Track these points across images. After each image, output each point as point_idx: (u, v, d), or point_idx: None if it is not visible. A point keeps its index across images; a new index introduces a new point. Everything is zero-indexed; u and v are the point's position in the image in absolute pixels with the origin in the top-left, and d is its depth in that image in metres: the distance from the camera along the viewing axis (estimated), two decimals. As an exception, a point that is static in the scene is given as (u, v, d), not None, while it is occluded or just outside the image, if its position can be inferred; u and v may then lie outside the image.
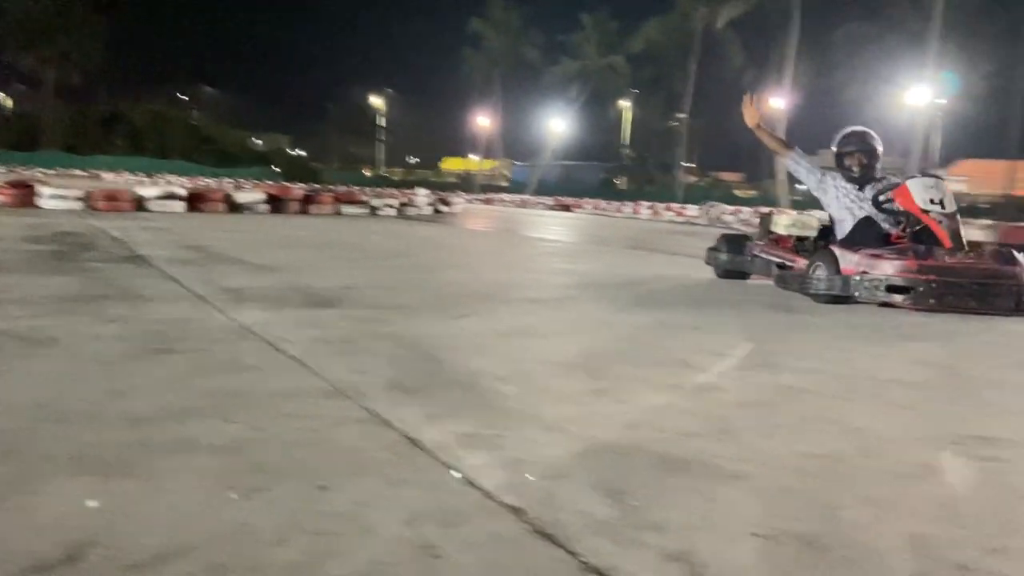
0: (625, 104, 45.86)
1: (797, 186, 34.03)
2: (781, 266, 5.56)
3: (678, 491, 1.77)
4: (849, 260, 4.84)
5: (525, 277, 6.64)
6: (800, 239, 5.79)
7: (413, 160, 65.37)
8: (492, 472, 1.82)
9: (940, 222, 4.91)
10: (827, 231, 5.68)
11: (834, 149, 5.53)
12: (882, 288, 4.61)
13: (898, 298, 4.61)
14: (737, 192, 38.59)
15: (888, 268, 4.65)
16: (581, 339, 3.69)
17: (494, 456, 1.93)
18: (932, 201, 4.93)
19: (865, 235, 5.18)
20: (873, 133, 5.52)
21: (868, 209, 5.34)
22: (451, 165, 55.13)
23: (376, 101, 57.23)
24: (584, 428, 2.18)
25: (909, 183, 5.06)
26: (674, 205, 24.38)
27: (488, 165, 52.54)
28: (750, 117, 5.84)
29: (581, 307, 4.86)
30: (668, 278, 6.84)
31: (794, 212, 7.38)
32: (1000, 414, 2.61)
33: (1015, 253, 4.85)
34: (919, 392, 2.87)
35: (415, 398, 2.43)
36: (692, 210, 21.62)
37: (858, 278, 4.69)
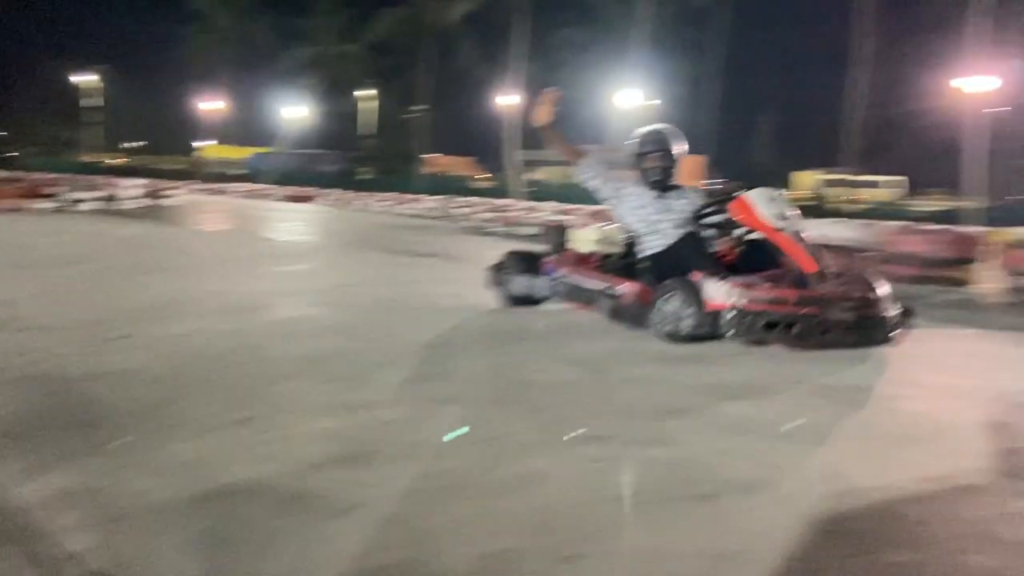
0: (366, 93, 45.42)
1: (531, 177, 36.13)
2: (608, 294, 4.51)
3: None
4: (716, 291, 3.92)
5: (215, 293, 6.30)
6: (606, 256, 5.01)
7: (136, 145, 59.43)
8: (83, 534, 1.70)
9: (797, 241, 4.13)
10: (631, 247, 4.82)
11: (632, 151, 4.74)
12: (760, 325, 3.78)
13: (775, 335, 3.81)
14: (476, 184, 39.90)
15: (768, 300, 3.83)
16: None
17: (89, 512, 1.81)
18: (782, 216, 4.19)
19: (692, 254, 4.31)
20: (675, 131, 4.74)
21: (677, 222, 4.59)
22: (214, 152, 50.63)
23: (85, 78, 51.23)
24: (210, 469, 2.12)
25: (750, 195, 4.26)
26: (408, 196, 24.58)
27: (240, 153, 49.19)
28: (541, 115, 4.81)
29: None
30: (442, 306, 5.15)
31: (596, 225, 5.98)
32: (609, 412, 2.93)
33: (872, 276, 4.22)
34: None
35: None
36: (430, 202, 21.97)
37: (733, 313, 3.83)
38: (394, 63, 43.53)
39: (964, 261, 7.73)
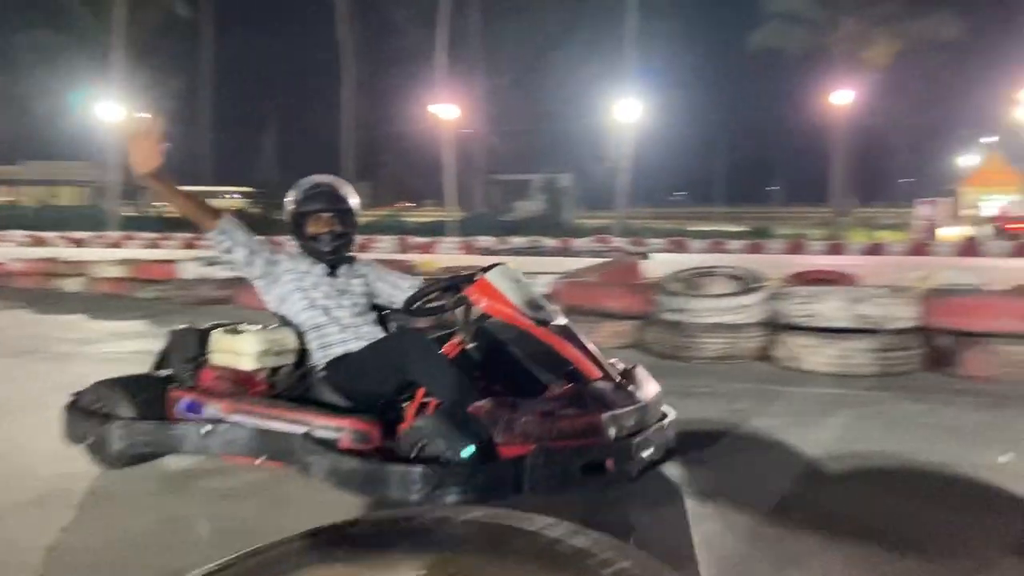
0: None
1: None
2: (315, 439, 2.73)
3: None
4: (510, 426, 2.58)
5: None
6: (274, 371, 3.15)
7: None
8: None
9: (568, 339, 2.90)
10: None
11: (289, 208, 3.27)
12: (576, 471, 2.55)
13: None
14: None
15: (577, 432, 2.59)
16: None
17: None
18: (536, 305, 2.98)
19: (416, 359, 2.85)
20: (347, 187, 3.33)
21: (357, 308, 3.24)
22: None
23: None
24: None
25: (491, 276, 2.99)
26: None
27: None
28: (143, 156, 3.01)
29: None
30: None
31: (253, 325, 3.22)
32: None
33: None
34: None
35: None
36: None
37: (538, 457, 2.49)
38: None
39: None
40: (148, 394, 3.12)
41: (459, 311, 3.04)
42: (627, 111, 30.00)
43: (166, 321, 6.07)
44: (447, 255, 24.31)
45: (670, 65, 36.51)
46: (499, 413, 2.58)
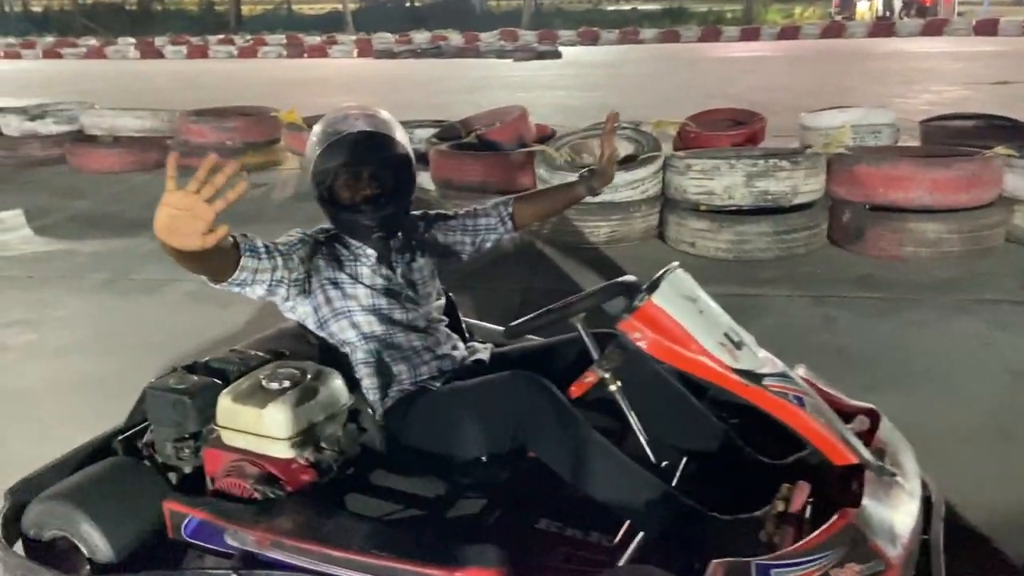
0: None
1: None
2: None
3: None
4: None
5: None
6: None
7: None
8: None
9: (797, 405, 1.64)
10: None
11: (309, 168, 1.95)
12: None
13: None
14: None
15: None
16: None
17: None
18: (735, 340, 1.69)
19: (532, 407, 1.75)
20: (387, 121, 1.98)
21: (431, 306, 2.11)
22: None
23: None
24: None
25: (661, 298, 1.66)
26: None
27: None
28: (197, 233, 1.38)
29: None
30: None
31: (275, 380, 1.85)
32: None
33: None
34: None
35: None
36: None
37: None
38: None
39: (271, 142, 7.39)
40: (133, 499, 1.85)
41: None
42: None
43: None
44: (341, 59, 22.36)
45: None
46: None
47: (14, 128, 7.73)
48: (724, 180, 4.50)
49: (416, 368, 1.97)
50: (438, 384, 1.96)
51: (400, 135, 1.96)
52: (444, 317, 2.14)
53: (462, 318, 2.28)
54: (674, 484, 1.75)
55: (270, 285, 1.77)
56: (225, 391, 1.85)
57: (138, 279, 4.49)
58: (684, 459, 1.85)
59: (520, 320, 1.91)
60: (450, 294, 2.24)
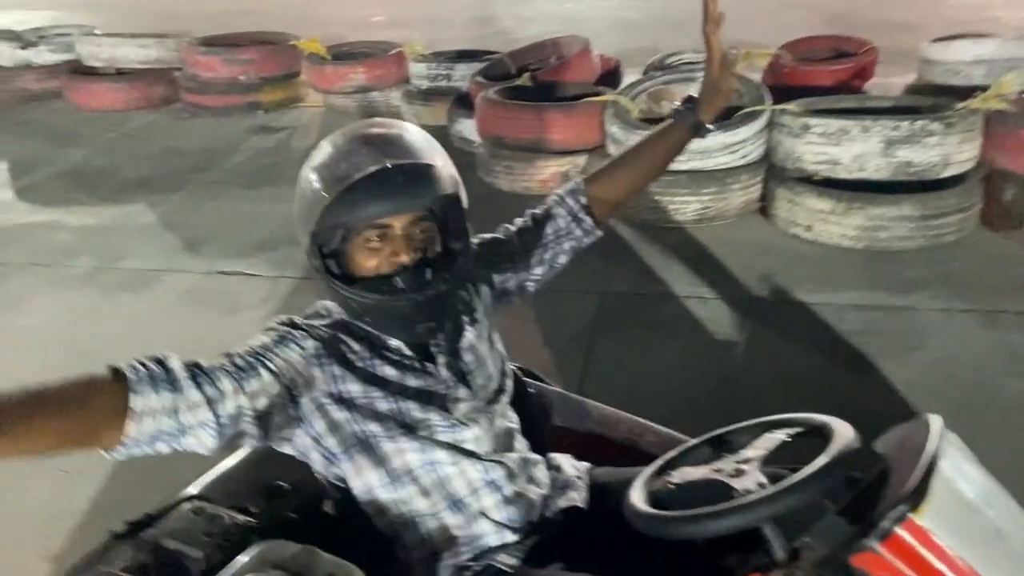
0: None
1: None
2: None
3: None
4: None
5: None
6: None
7: None
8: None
9: None
10: None
11: (306, 227, 1.16)
12: None
13: None
14: None
15: None
16: None
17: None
18: None
19: None
20: (423, 140, 1.18)
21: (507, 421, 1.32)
22: None
23: None
24: None
25: (928, 517, 0.88)
26: None
27: None
28: None
29: None
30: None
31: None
32: None
33: None
34: None
35: None
36: None
37: None
38: None
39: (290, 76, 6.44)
40: None
41: None
42: None
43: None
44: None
45: None
46: None
47: (6, 58, 6.86)
48: (855, 147, 3.53)
49: (474, 526, 1.21)
50: (514, 560, 1.18)
51: (442, 162, 1.18)
52: (514, 417, 1.33)
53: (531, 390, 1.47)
54: None
55: (219, 426, 1.01)
56: None
57: (126, 268, 3.72)
58: None
59: (666, 513, 1.00)
60: (515, 367, 1.43)
